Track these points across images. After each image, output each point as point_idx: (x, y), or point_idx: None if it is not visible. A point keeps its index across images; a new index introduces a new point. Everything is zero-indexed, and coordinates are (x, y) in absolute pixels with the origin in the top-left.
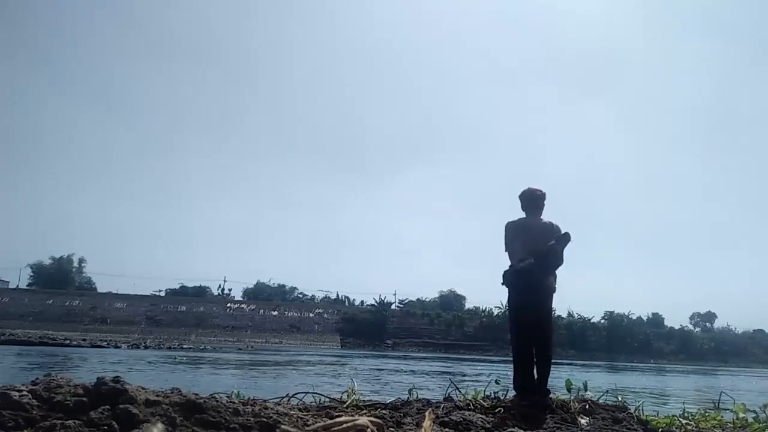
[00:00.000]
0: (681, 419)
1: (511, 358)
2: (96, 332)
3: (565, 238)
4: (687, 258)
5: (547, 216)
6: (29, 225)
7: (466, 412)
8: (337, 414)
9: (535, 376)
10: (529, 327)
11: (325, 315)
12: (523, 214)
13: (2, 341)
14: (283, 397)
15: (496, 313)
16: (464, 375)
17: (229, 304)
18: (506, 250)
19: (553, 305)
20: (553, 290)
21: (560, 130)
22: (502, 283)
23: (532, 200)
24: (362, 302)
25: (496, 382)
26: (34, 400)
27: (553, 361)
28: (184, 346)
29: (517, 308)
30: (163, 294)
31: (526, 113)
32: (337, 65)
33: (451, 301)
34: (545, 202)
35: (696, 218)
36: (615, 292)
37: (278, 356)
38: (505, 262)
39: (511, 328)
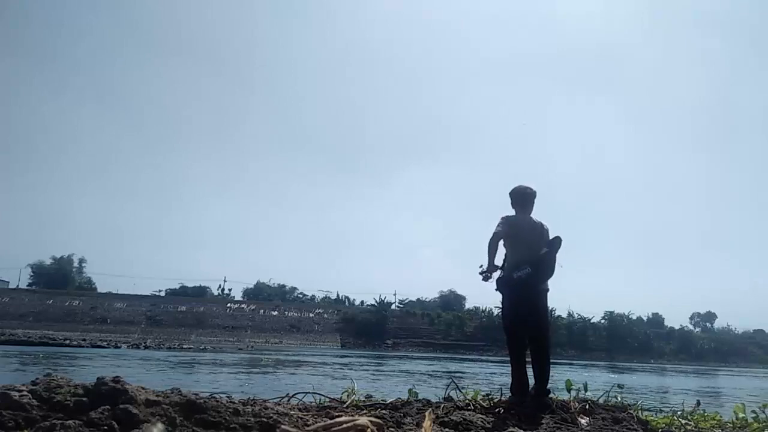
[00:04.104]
0: (680, 419)
1: (509, 359)
2: (96, 332)
3: (557, 243)
4: (687, 258)
5: (543, 215)
6: (29, 225)
7: (466, 412)
8: (337, 414)
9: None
10: (524, 330)
11: (325, 315)
12: (512, 211)
13: (2, 341)
14: (283, 397)
15: (496, 313)
16: (464, 375)
17: (229, 304)
18: (491, 238)
19: (554, 305)
20: (547, 290)
21: (561, 128)
22: (496, 289)
23: (523, 198)
24: (362, 302)
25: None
26: (34, 400)
27: (553, 361)
28: (185, 346)
29: (513, 315)
30: (163, 294)
31: (527, 112)
32: (338, 65)
33: (451, 301)
34: (535, 201)
35: (696, 218)
36: (615, 292)
37: (278, 356)
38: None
39: (507, 332)
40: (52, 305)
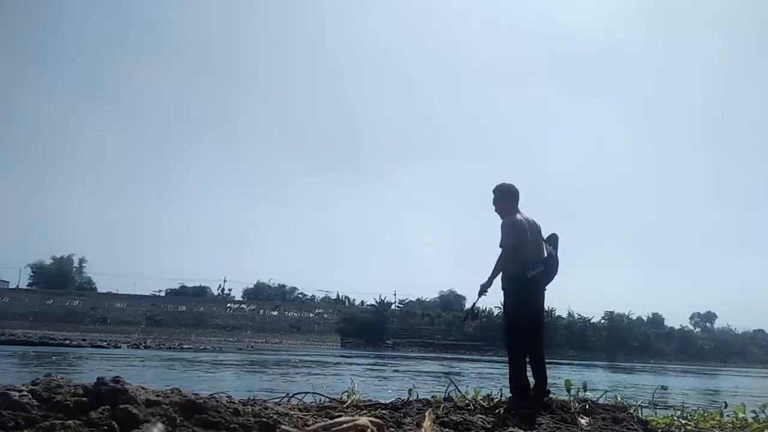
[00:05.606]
0: (680, 419)
1: (509, 359)
2: (96, 332)
3: (557, 240)
4: (687, 258)
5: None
6: (29, 225)
7: (466, 412)
8: (337, 414)
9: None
10: (526, 330)
11: (325, 315)
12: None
13: (2, 341)
14: (284, 397)
15: (496, 313)
16: (464, 375)
17: (229, 304)
18: (502, 245)
19: (554, 305)
20: (545, 290)
21: (561, 129)
22: (503, 288)
23: (515, 196)
24: (362, 302)
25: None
26: (34, 400)
27: (553, 361)
28: (185, 346)
29: (523, 315)
30: (163, 294)
31: (527, 112)
32: (337, 64)
33: (451, 301)
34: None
35: (696, 218)
36: (615, 292)
37: (278, 356)
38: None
39: (511, 333)
40: (52, 305)
